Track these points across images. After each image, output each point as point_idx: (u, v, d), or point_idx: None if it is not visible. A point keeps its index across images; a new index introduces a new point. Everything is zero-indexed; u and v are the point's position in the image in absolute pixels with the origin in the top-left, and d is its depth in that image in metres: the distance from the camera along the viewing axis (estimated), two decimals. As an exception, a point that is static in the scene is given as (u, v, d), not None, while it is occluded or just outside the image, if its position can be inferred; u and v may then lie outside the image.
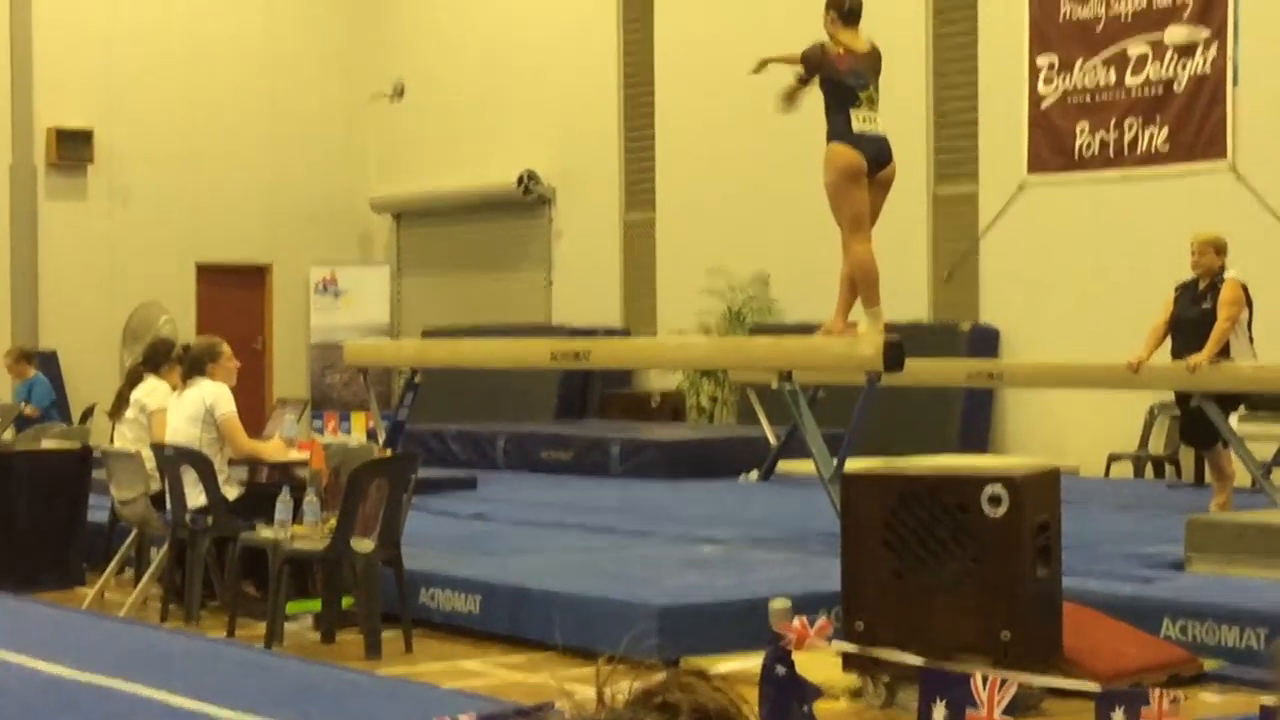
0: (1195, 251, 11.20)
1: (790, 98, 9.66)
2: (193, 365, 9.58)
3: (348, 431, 20.42)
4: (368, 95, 21.99)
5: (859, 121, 9.34)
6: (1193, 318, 11.07)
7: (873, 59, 9.53)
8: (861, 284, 9.50)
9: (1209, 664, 7.38)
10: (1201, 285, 11.14)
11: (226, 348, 9.71)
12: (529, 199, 19.89)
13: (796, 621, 5.66)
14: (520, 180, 19.75)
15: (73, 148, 20.30)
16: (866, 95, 9.39)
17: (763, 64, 9.85)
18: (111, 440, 10.29)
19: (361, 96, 22.02)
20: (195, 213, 20.99)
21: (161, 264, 20.73)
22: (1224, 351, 10.96)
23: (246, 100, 21.37)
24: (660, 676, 2.06)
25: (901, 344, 9.29)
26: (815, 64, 9.45)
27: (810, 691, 5.38)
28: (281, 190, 21.54)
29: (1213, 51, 14.18)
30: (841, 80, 9.36)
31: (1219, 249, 11.16)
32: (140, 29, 20.72)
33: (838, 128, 9.38)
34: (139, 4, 20.76)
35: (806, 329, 12.20)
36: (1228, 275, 11.05)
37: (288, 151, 21.60)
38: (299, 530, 8.48)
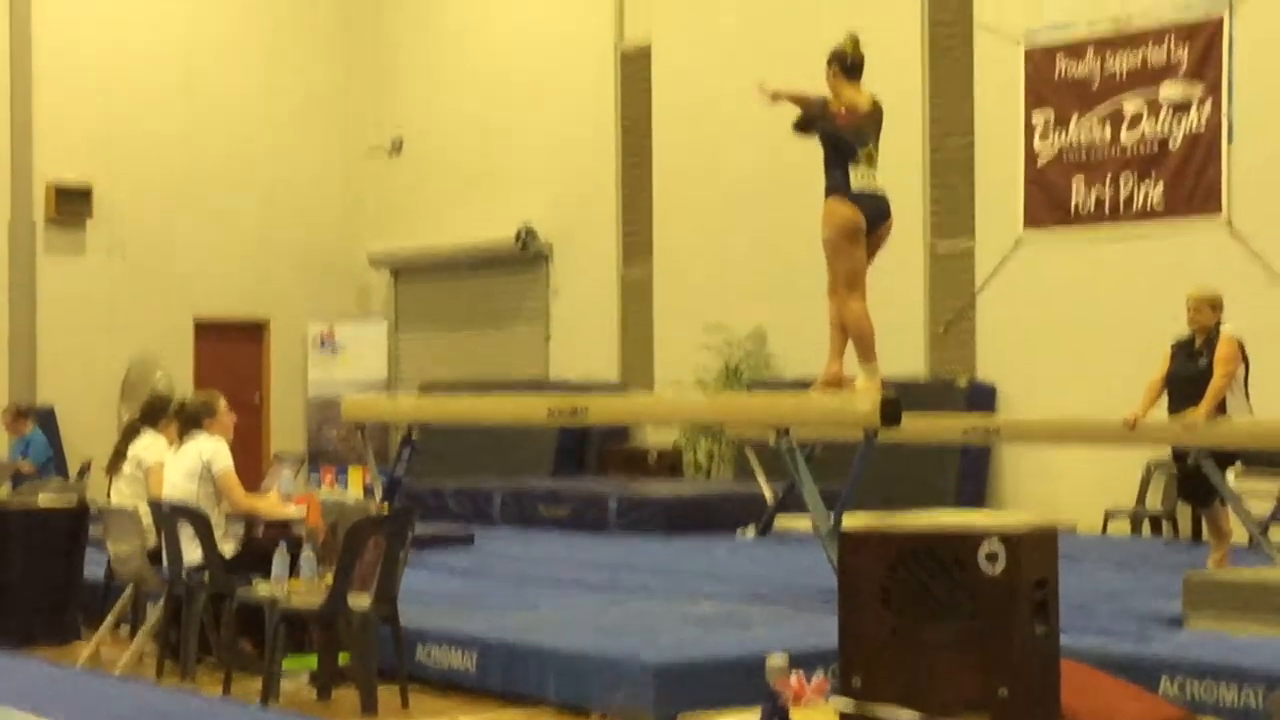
0: (1191, 308, 11.23)
1: (781, 95, 9.55)
2: (189, 420, 9.58)
3: (345, 487, 20.35)
4: (366, 151, 22.08)
5: (858, 178, 9.32)
6: (1189, 374, 11.09)
7: (874, 115, 9.49)
8: (857, 342, 9.49)
9: (1207, 721, 7.36)
10: (1198, 342, 11.17)
11: (223, 402, 9.71)
12: (527, 254, 19.94)
13: (794, 678, 5.65)
14: (518, 235, 19.81)
15: (71, 203, 20.36)
16: (866, 152, 9.36)
17: (776, 98, 9.65)
18: (108, 496, 10.28)
19: (359, 152, 22.11)
20: (193, 268, 21.04)
21: (159, 319, 20.77)
22: (1220, 407, 10.97)
23: (244, 156, 21.44)
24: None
25: (899, 400, 9.29)
26: (815, 118, 9.42)
27: (807, 749, 5.36)
28: (279, 245, 21.60)
29: (1207, 108, 14.25)
30: (842, 137, 9.34)
31: (1215, 305, 11.19)
32: (139, 86, 20.81)
33: (836, 184, 9.36)
34: (138, 61, 20.85)
35: (804, 385, 12.20)
36: (1223, 331, 11.07)
37: (286, 206, 21.67)
38: (295, 586, 8.46)
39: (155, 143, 20.88)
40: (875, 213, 9.34)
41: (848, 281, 9.42)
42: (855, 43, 9.58)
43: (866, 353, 9.45)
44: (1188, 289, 11.49)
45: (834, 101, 9.43)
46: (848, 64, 9.52)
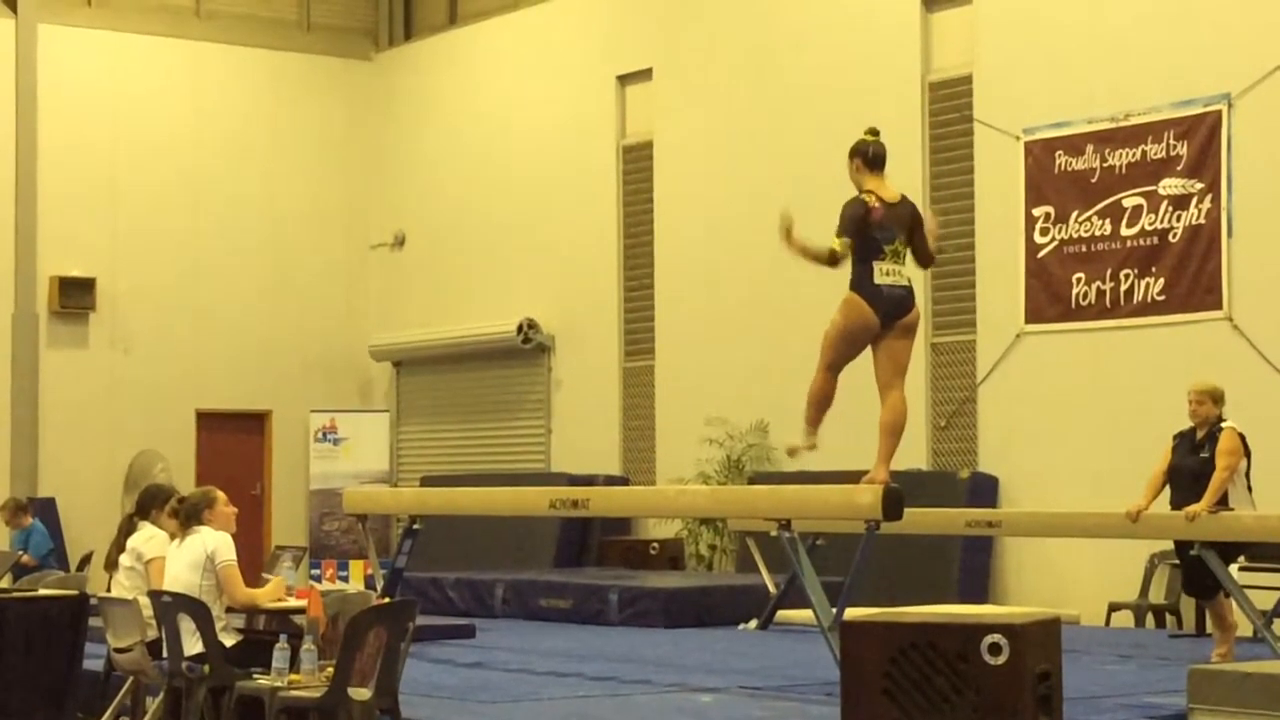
0: (1193, 401, 11.25)
1: (793, 243, 9.35)
2: (189, 515, 9.56)
3: (345, 579, 20.35)
4: (368, 244, 22.19)
5: (881, 274, 9.27)
6: (1191, 467, 11.09)
7: (902, 210, 9.42)
8: (809, 404, 9.55)
9: (1212, 816, 7.31)
10: (1199, 434, 11.18)
11: (220, 494, 9.69)
12: (528, 347, 19.98)
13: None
14: (520, 328, 19.87)
15: (75, 296, 20.44)
16: (892, 249, 9.29)
17: (790, 242, 9.40)
18: (108, 588, 10.24)
19: (362, 245, 22.22)
20: (196, 359, 21.09)
21: (162, 411, 20.79)
22: (1223, 501, 10.97)
23: (248, 249, 21.56)
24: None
25: (900, 493, 9.29)
26: (856, 218, 9.27)
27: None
28: (282, 337, 21.66)
29: (1207, 203, 14.31)
30: (869, 234, 9.29)
31: (1216, 398, 11.21)
32: (142, 180, 20.97)
33: (859, 278, 9.28)
34: (142, 156, 21.02)
35: (805, 478, 12.18)
36: (1225, 425, 11.09)
37: (288, 298, 21.75)
38: (296, 679, 8.42)
39: (158, 236, 21.00)
40: (895, 306, 9.29)
41: (829, 366, 9.47)
42: (875, 134, 9.53)
43: (811, 416, 9.54)
44: (1188, 383, 11.51)
45: (869, 198, 9.35)
46: (869, 157, 9.46)
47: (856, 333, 9.32)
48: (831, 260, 9.30)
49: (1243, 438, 11.08)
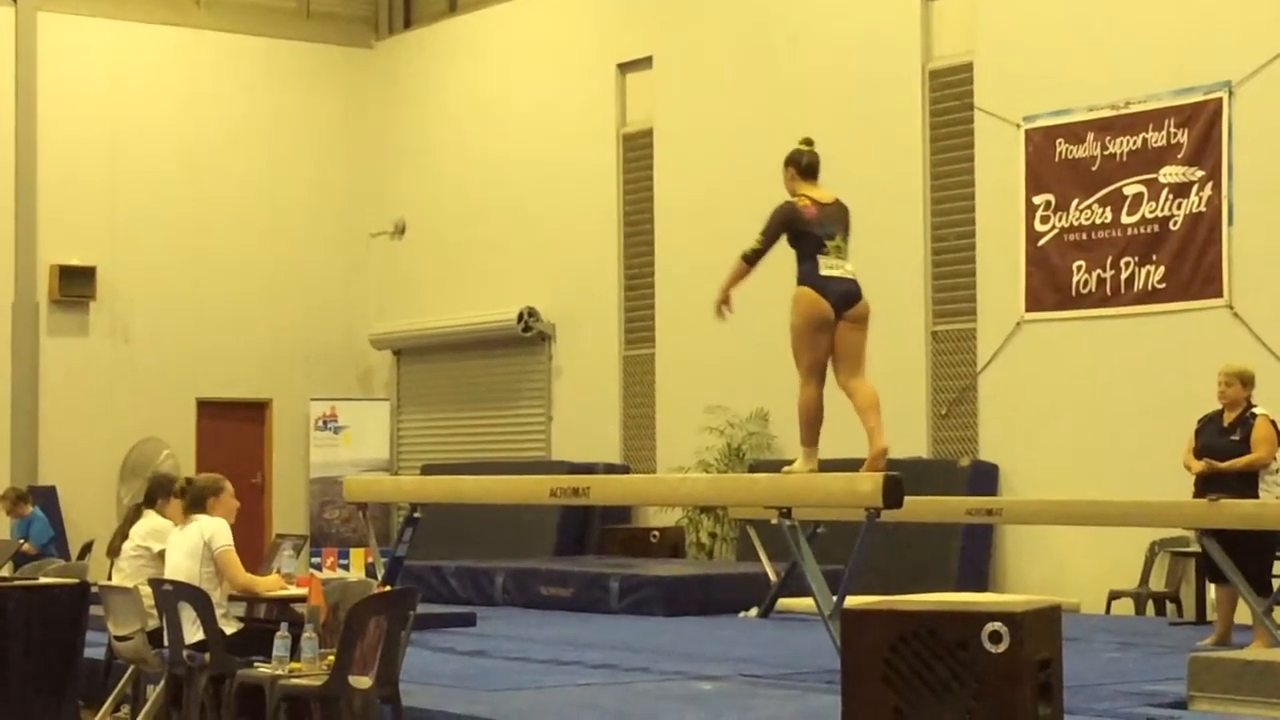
0: (1223, 382, 11.25)
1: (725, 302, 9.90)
2: (195, 499, 9.57)
3: (346, 568, 20.36)
4: (369, 233, 22.18)
5: (826, 267, 9.44)
6: (1221, 448, 11.07)
7: (839, 210, 9.61)
8: (802, 424, 9.58)
9: (1212, 804, 7.32)
10: (1227, 418, 11.17)
11: (229, 485, 9.72)
12: (529, 335, 19.99)
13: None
14: (520, 317, 19.87)
15: (75, 284, 20.44)
16: (834, 245, 9.47)
17: (724, 302, 10.04)
18: (110, 577, 10.25)
19: (362, 234, 22.21)
20: (196, 348, 21.09)
21: (162, 399, 20.80)
22: (1254, 489, 10.94)
23: (247, 237, 21.55)
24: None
25: (901, 480, 9.29)
26: (784, 220, 9.53)
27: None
28: (282, 326, 21.66)
29: (1207, 191, 14.30)
30: (808, 230, 9.47)
31: (1245, 381, 11.22)
32: (142, 169, 20.96)
33: (806, 273, 9.51)
34: (141, 144, 21.00)
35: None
36: (1259, 412, 11.08)
37: (289, 287, 21.75)
38: (296, 667, 8.43)
39: (158, 225, 20.99)
40: (844, 296, 9.44)
41: (808, 369, 9.54)
42: (810, 144, 9.81)
43: (806, 436, 9.57)
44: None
45: (798, 200, 9.57)
46: (803, 165, 9.74)
47: (816, 323, 9.43)
48: (747, 259, 9.74)
49: (1275, 425, 11.08)
